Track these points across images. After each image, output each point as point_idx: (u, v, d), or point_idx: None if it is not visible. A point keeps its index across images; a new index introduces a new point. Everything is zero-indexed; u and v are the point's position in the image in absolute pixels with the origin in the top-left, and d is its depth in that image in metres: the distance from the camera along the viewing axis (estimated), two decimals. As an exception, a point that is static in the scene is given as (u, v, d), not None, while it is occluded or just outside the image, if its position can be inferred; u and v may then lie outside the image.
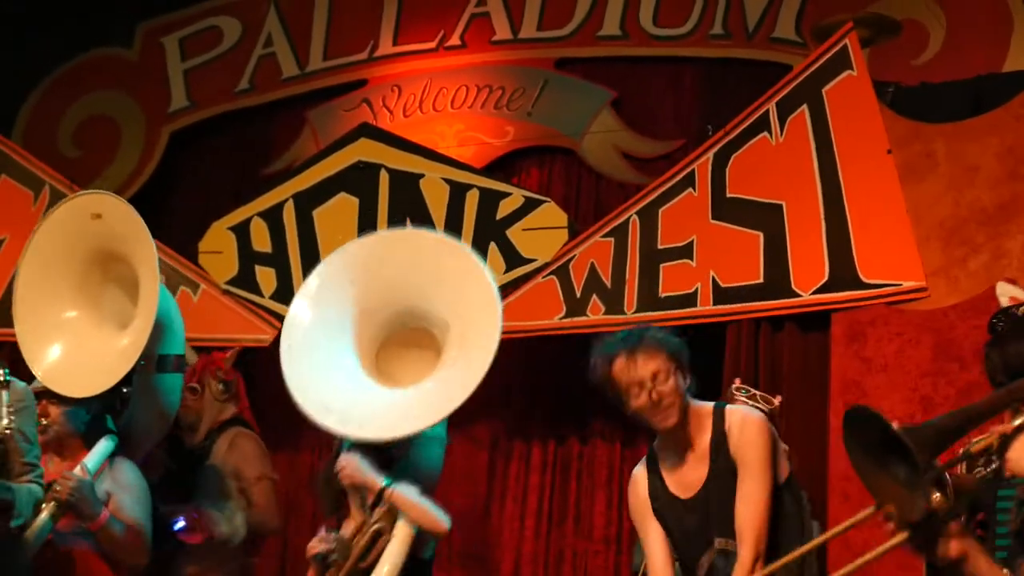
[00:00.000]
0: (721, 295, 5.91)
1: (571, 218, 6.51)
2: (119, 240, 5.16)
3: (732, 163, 6.01)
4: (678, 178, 6.13)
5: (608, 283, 6.19)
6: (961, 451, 2.83)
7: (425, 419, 4.57)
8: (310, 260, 6.16)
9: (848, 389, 5.59)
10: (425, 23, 7.31)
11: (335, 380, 4.68)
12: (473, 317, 4.65)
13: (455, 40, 7.23)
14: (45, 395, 5.03)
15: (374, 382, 4.76)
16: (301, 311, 4.86)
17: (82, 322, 5.28)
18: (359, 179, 6.79)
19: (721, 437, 3.86)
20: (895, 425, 2.55)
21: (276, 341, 6.62)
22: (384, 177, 6.76)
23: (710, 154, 6.07)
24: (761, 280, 5.83)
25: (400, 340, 4.89)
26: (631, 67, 6.89)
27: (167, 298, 5.40)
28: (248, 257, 6.95)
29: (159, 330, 5.13)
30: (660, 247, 6.12)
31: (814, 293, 5.71)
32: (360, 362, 4.78)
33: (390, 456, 4.71)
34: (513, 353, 5.95)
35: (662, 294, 6.06)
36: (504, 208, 6.53)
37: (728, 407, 3.97)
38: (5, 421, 4.46)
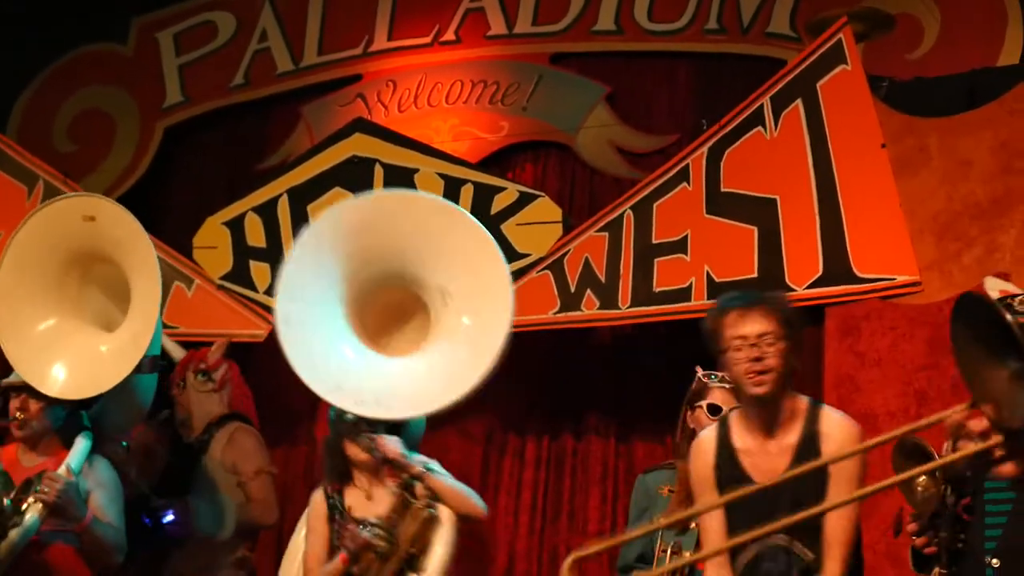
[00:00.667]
0: (715, 289, 5.89)
1: (565, 213, 6.51)
2: (112, 245, 5.13)
3: (726, 158, 6.01)
4: (672, 173, 6.13)
5: (602, 278, 6.19)
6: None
7: (448, 396, 4.50)
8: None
9: (842, 383, 5.60)
10: (420, 18, 7.31)
11: (339, 354, 4.60)
12: (480, 285, 4.58)
13: (450, 35, 7.23)
14: (24, 390, 5.04)
15: (373, 351, 4.69)
16: (295, 278, 4.71)
17: (63, 327, 5.25)
18: (354, 174, 6.78)
19: (813, 436, 3.79)
20: (1010, 317, 2.44)
21: (271, 336, 6.68)
22: (379, 172, 6.75)
23: (704, 149, 6.06)
24: (755, 274, 5.82)
25: (384, 303, 4.79)
26: (626, 62, 6.90)
27: (149, 301, 5.39)
28: (242, 252, 6.95)
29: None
30: (654, 242, 6.11)
31: (808, 287, 5.70)
32: (352, 328, 4.69)
33: (395, 424, 4.72)
34: (507, 348, 5.95)
35: (656, 288, 6.06)
36: (499, 203, 6.52)
37: (825, 408, 3.89)
38: None
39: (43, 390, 5.01)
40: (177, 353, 6.16)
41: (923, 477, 3.75)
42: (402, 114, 7.17)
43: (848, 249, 5.62)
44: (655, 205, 6.15)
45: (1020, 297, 3.83)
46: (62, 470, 4.81)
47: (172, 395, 5.99)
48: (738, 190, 5.95)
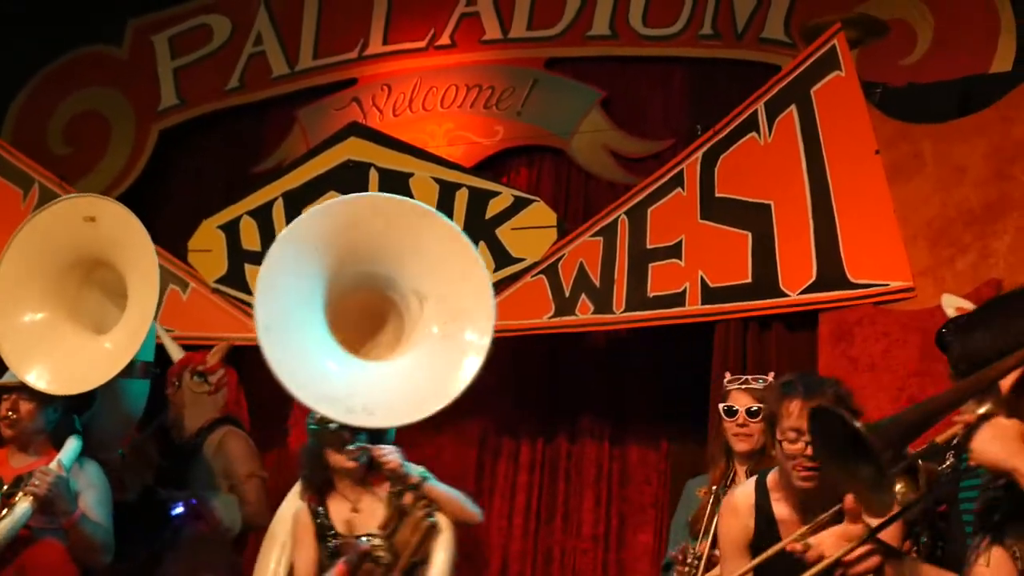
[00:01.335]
0: (709, 295, 5.92)
1: (560, 217, 6.53)
2: (112, 246, 5.14)
3: (721, 163, 6.02)
4: (667, 178, 6.15)
5: (597, 282, 6.21)
6: (927, 444, 2.83)
7: (437, 403, 4.47)
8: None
9: (835, 389, 5.61)
10: (415, 22, 7.33)
11: (322, 361, 4.53)
12: (461, 290, 4.55)
13: (445, 39, 7.24)
14: (16, 390, 5.05)
15: (352, 357, 4.62)
16: (274, 281, 4.55)
17: (53, 323, 5.25)
18: (349, 178, 6.78)
19: None
20: (858, 424, 2.54)
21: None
22: (374, 176, 6.77)
23: (699, 154, 6.08)
24: (749, 280, 5.84)
25: (357, 307, 4.73)
26: (620, 67, 6.91)
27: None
28: (238, 255, 6.96)
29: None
30: (649, 247, 6.13)
31: (802, 293, 5.72)
32: (331, 333, 4.62)
33: (378, 432, 4.71)
34: (502, 352, 5.95)
35: (651, 293, 6.07)
36: (493, 207, 6.54)
37: None
38: None
39: (30, 384, 5.02)
40: (176, 354, 6.17)
41: (901, 485, 3.77)
42: (397, 118, 7.19)
43: (842, 255, 5.63)
44: (649, 210, 6.16)
45: None
46: (53, 465, 4.84)
47: (167, 394, 6.00)
48: (732, 195, 5.96)
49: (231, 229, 7.00)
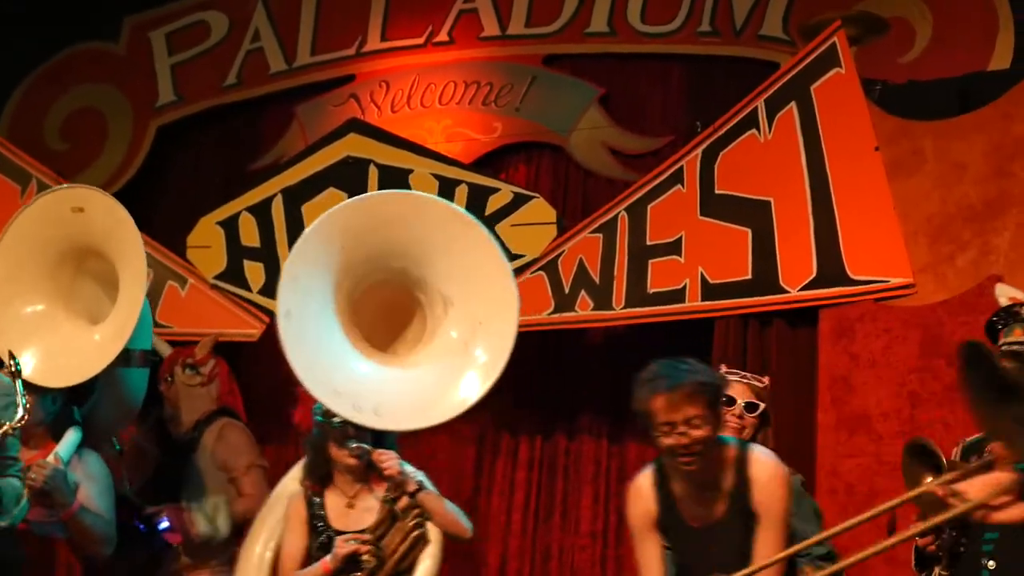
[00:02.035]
0: (709, 291, 5.94)
1: (559, 214, 6.53)
2: (101, 236, 5.14)
3: (720, 160, 6.03)
4: (666, 175, 6.15)
5: (597, 279, 6.22)
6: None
7: (447, 412, 4.50)
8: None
9: (835, 384, 5.63)
10: (413, 19, 7.31)
11: (338, 355, 4.55)
12: (486, 300, 4.57)
13: (443, 36, 7.23)
14: None
15: (369, 356, 4.64)
16: (297, 271, 4.63)
17: (50, 315, 5.25)
18: (348, 174, 6.78)
19: (744, 483, 3.85)
20: (1008, 365, 2.57)
21: (265, 334, 6.69)
22: (373, 172, 6.76)
23: (698, 151, 6.09)
24: (749, 276, 5.86)
25: (380, 305, 4.76)
26: (619, 64, 6.90)
27: (140, 293, 5.39)
28: (236, 252, 6.94)
29: (130, 325, 5.13)
30: (649, 243, 6.14)
31: (802, 289, 5.73)
32: (350, 329, 4.64)
33: (382, 432, 4.70)
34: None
35: (650, 290, 6.09)
36: (493, 204, 6.54)
37: (753, 452, 3.93)
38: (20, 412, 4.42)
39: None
40: (164, 350, 6.16)
41: (930, 480, 3.80)
42: (395, 115, 7.18)
43: (842, 251, 5.64)
44: (649, 207, 6.17)
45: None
46: (51, 458, 4.84)
47: (160, 391, 6.00)
48: (732, 192, 5.98)
49: (230, 225, 6.98)
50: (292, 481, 5.04)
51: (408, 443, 6.62)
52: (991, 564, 3.76)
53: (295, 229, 6.77)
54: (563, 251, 6.33)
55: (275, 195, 6.94)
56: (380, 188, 6.66)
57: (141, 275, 5.03)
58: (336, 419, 4.63)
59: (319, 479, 4.81)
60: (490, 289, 4.60)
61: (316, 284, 4.53)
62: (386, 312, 4.79)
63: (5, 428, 4.38)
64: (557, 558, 6.56)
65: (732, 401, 4.67)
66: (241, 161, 7.55)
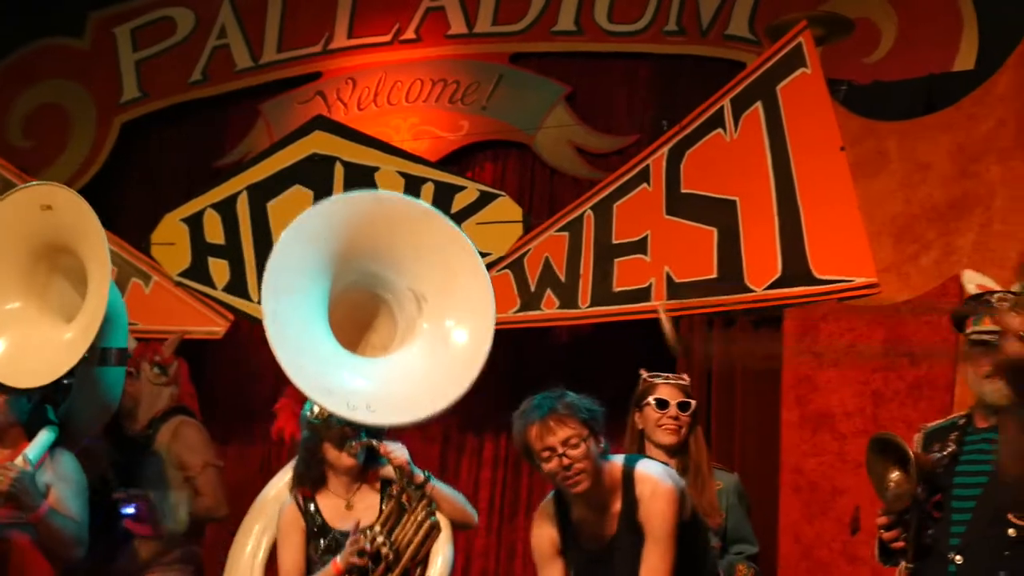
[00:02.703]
0: (675, 290, 5.93)
1: (525, 212, 6.53)
2: (69, 233, 5.10)
3: (687, 159, 6.02)
4: (632, 173, 6.14)
5: (562, 277, 6.21)
6: None
7: (438, 403, 4.46)
8: (263, 252, 6.09)
9: (800, 383, 5.65)
10: (380, 16, 7.31)
11: (324, 354, 4.47)
12: (461, 291, 4.55)
13: (410, 34, 7.24)
14: None
15: (350, 353, 4.62)
16: (280, 272, 4.52)
17: (26, 313, 5.21)
18: (314, 172, 6.76)
19: (632, 503, 3.89)
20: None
21: (229, 333, 6.67)
22: (339, 170, 6.73)
23: (664, 150, 6.08)
24: (715, 275, 5.85)
25: (353, 304, 4.69)
26: (586, 62, 6.93)
27: (114, 292, 5.34)
28: (201, 249, 6.90)
29: (103, 323, 5.07)
30: (614, 242, 6.13)
31: (767, 289, 5.73)
32: (330, 328, 4.61)
33: (376, 430, 4.66)
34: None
35: (616, 288, 6.08)
36: (459, 202, 6.53)
37: (638, 470, 3.95)
38: None
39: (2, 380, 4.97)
40: (130, 345, 6.12)
41: (896, 474, 3.82)
42: (362, 112, 7.18)
43: (807, 251, 5.63)
44: (615, 205, 6.16)
45: (999, 294, 3.90)
46: (18, 460, 4.76)
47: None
48: (698, 191, 5.97)
49: (194, 222, 6.93)
50: (280, 487, 4.97)
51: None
52: (958, 558, 3.78)
53: (260, 226, 6.77)
54: (529, 249, 6.32)
55: (240, 192, 6.90)
56: (346, 186, 6.65)
57: (105, 272, 4.99)
58: (335, 419, 4.57)
59: (312, 483, 4.74)
60: (462, 279, 4.59)
61: (298, 286, 4.50)
62: (359, 314, 4.77)
63: None
64: (522, 556, 6.56)
65: (665, 404, 4.70)
66: (206, 158, 7.54)
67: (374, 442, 4.55)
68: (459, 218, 6.44)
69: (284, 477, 4.97)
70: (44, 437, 4.94)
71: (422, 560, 4.53)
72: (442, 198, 6.53)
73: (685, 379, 4.88)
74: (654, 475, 3.95)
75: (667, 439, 4.72)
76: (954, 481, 3.79)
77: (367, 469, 4.65)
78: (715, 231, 5.89)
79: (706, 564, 4.17)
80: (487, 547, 6.63)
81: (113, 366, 5.22)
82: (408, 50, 7.23)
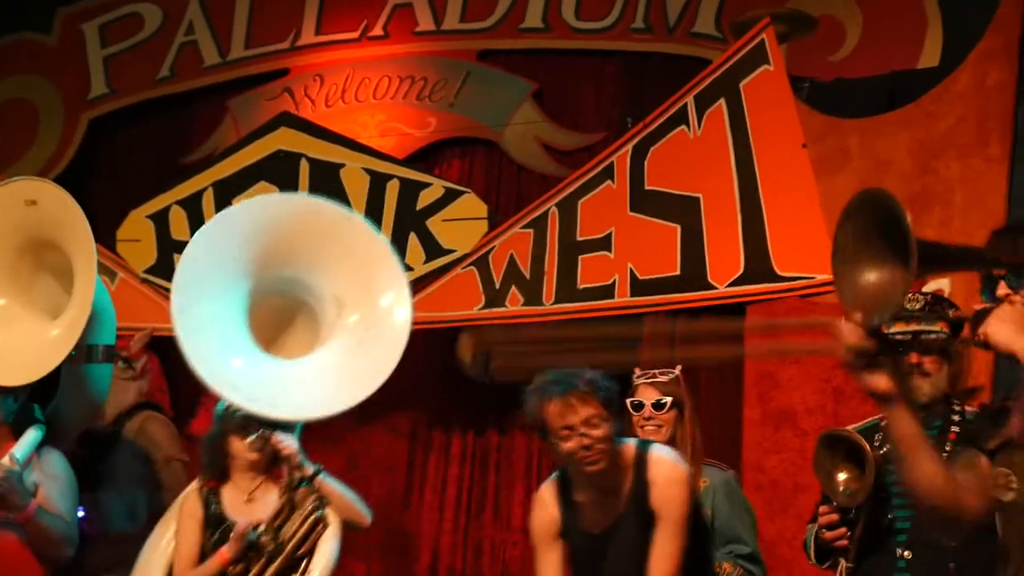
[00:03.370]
0: (639, 287, 5.95)
1: (491, 209, 6.53)
2: (54, 228, 5.08)
3: (651, 156, 6.04)
4: (597, 170, 6.17)
5: (527, 274, 6.22)
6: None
7: (343, 402, 4.49)
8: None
9: (762, 380, 5.67)
10: (348, 13, 7.30)
11: (234, 351, 4.49)
12: (377, 295, 4.56)
13: (378, 31, 7.22)
14: None
15: (265, 352, 4.64)
16: (192, 268, 4.54)
17: (11, 310, 5.20)
18: (279, 168, 6.77)
19: (643, 485, 3.86)
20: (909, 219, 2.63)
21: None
22: (304, 166, 6.74)
23: (629, 147, 6.10)
24: (678, 272, 5.87)
25: (272, 306, 4.71)
26: (553, 59, 6.91)
27: (100, 288, 5.32)
28: (167, 245, 6.92)
29: (90, 320, 5.06)
30: (579, 239, 6.15)
31: (730, 285, 5.75)
32: (246, 327, 4.58)
33: (285, 426, 4.69)
34: (433, 344, 5.96)
35: (580, 285, 6.10)
36: (424, 199, 6.53)
37: (652, 453, 3.93)
38: None
39: None
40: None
41: (844, 475, 3.83)
42: (329, 109, 7.17)
43: (769, 248, 5.65)
44: (580, 202, 6.18)
45: (911, 294, 3.90)
46: (5, 460, 4.73)
47: None
48: (661, 188, 5.99)
49: (160, 219, 6.95)
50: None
51: (341, 438, 6.64)
52: (907, 554, 3.80)
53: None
54: (494, 246, 6.33)
55: (206, 188, 6.91)
56: (311, 182, 6.66)
57: (92, 268, 4.97)
58: (238, 412, 4.62)
59: (216, 475, 4.79)
60: (380, 284, 4.61)
61: (209, 283, 4.51)
62: (279, 316, 4.79)
63: None
64: (489, 553, 6.58)
65: (640, 405, 4.67)
66: (173, 154, 7.53)
67: (266, 432, 4.58)
68: (424, 215, 6.47)
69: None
70: (31, 436, 4.92)
71: (307, 552, 4.55)
72: (407, 195, 6.54)
73: (668, 375, 4.79)
74: (670, 458, 3.95)
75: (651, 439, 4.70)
76: (890, 480, 3.81)
77: (275, 465, 4.69)
78: (678, 228, 5.91)
79: (709, 552, 4.16)
80: (454, 544, 6.63)
81: (100, 363, 5.20)
82: (376, 47, 7.22)
